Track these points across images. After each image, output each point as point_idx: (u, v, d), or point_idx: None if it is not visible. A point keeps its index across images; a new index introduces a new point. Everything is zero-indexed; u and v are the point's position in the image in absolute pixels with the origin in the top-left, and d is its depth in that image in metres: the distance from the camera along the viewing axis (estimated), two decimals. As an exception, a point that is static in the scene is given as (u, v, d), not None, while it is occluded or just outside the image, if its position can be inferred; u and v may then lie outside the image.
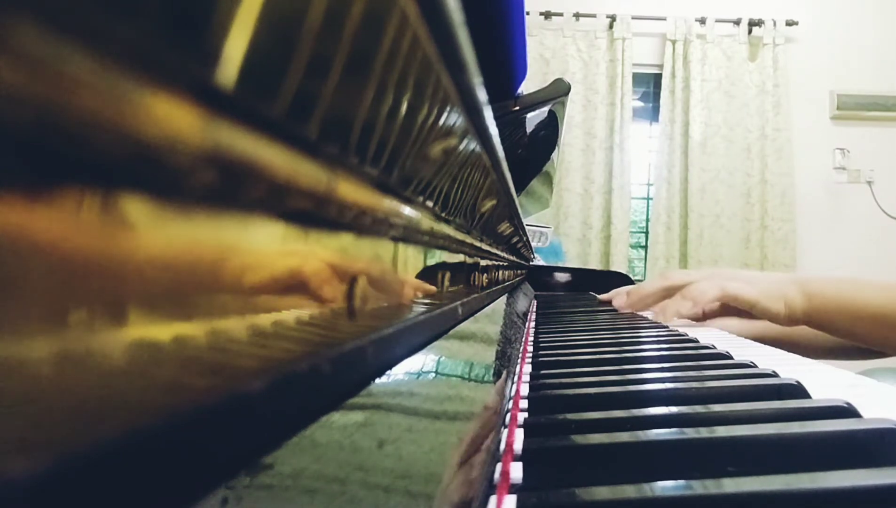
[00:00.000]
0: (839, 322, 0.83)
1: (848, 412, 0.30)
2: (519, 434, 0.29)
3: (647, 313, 0.95)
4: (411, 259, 0.26)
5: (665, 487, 0.22)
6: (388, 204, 0.20)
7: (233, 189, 0.11)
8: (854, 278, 0.87)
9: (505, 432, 0.29)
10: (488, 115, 0.29)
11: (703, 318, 0.94)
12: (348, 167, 0.16)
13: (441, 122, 0.23)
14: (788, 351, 0.61)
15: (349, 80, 0.14)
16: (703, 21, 3.16)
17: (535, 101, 0.89)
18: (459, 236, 0.37)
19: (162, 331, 0.09)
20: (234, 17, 0.09)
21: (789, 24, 3.18)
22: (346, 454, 0.15)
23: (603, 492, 0.22)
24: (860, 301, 0.81)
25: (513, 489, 0.24)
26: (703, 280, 0.89)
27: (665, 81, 3.17)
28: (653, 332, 0.71)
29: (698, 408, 0.31)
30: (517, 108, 0.85)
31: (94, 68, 0.07)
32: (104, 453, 0.08)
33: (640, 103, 3.36)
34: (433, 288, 0.31)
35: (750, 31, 3.18)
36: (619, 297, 1.03)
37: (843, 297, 0.82)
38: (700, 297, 0.86)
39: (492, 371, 0.36)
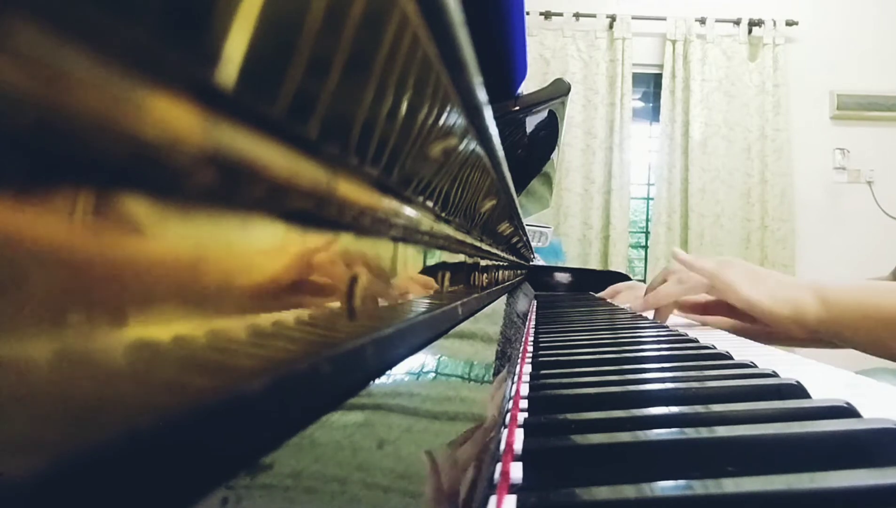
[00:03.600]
0: (861, 332, 0.76)
1: (848, 412, 0.30)
2: (519, 434, 0.29)
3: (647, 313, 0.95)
4: (411, 259, 0.26)
5: (665, 487, 0.22)
6: (388, 204, 0.20)
7: (233, 189, 0.11)
8: (871, 284, 0.79)
9: (505, 432, 0.29)
10: (488, 115, 0.29)
11: (703, 312, 0.92)
12: (348, 167, 0.16)
13: (441, 122, 0.23)
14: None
15: (349, 80, 0.14)
16: (703, 21, 3.16)
17: (535, 101, 0.89)
18: (459, 236, 0.37)
19: (162, 331, 0.09)
20: (234, 17, 0.09)
21: (789, 24, 3.18)
22: (346, 454, 0.15)
23: (603, 492, 0.22)
24: (885, 308, 0.74)
25: (513, 489, 0.24)
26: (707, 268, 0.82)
27: (665, 81, 3.17)
28: (653, 332, 0.71)
29: (698, 408, 0.31)
30: (517, 108, 0.85)
31: (94, 68, 0.07)
32: (104, 453, 0.08)
33: (640, 103, 3.36)
34: (433, 288, 0.31)
35: (750, 31, 3.18)
36: (623, 295, 1.01)
37: (866, 304, 0.75)
38: (689, 280, 0.81)
39: (492, 371, 0.36)
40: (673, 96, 3.16)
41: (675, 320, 0.97)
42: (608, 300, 1.18)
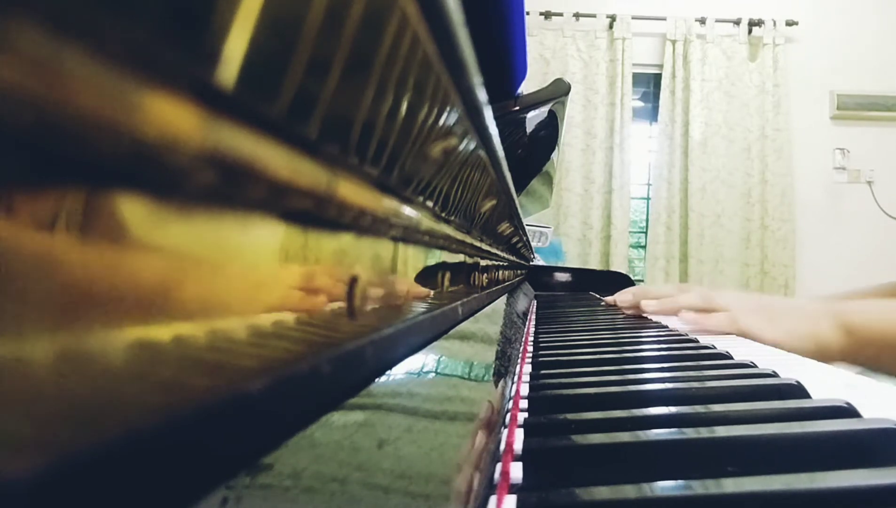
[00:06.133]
0: (887, 358, 0.71)
1: (848, 412, 0.30)
2: (519, 434, 0.29)
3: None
4: (411, 259, 0.26)
5: (665, 487, 0.22)
6: (388, 204, 0.20)
7: (233, 189, 0.11)
8: (894, 305, 0.73)
9: (505, 432, 0.29)
10: (488, 115, 0.29)
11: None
12: (348, 167, 0.16)
13: (441, 122, 0.23)
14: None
15: (349, 80, 0.14)
16: (703, 21, 3.16)
17: (535, 101, 0.89)
18: (459, 236, 0.37)
19: (162, 331, 0.09)
20: (234, 17, 0.09)
21: (789, 24, 3.18)
22: (346, 454, 0.15)
23: (603, 492, 0.22)
24: None
25: (513, 489, 0.24)
26: (723, 313, 0.76)
27: (665, 81, 3.17)
28: (653, 332, 0.71)
29: (698, 408, 0.31)
30: (517, 108, 0.85)
31: (94, 68, 0.07)
32: (104, 453, 0.08)
33: (640, 103, 3.36)
34: (433, 288, 0.31)
35: (750, 31, 3.18)
36: (625, 297, 0.97)
37: (894, 330, 0.70)
38: (709, 326, 0.75)
39: (492, 371, 0.36)
40: (673, 96, 3.16)
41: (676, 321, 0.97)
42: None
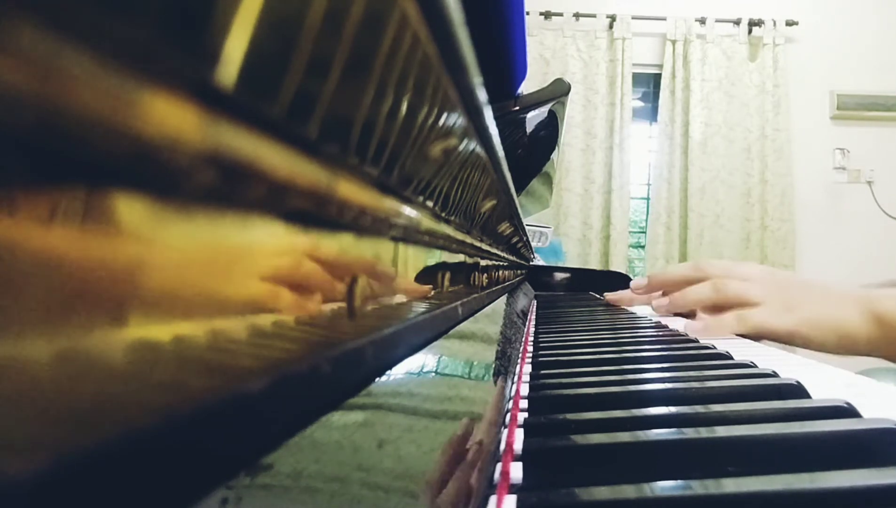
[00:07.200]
0: None
1: (848, 412, 0.30)
2: (519, 434, 0.29)
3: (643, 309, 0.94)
4: (411, 259, 0.26)
5: (665, 487, 0.22)
6: (388, 204, 0.20)
7: (233, 189, 0.11)
8: None
9: (505, 432, 0.29)
10: (488, 115, 0.29)
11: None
12: (348, 167, 0.16)
13: (441, 122, 0.23)
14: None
15: (349, 80, 0.14)
16: (703, 21, 3.16)
17: (535, 101, 0.89)
18: (459, 236, 0.37)
19: (162, 331, 0.09)
20: (234, 17, 0.09)
21: (789, 24, 3.18)
22: (346, 454, 0.15)
23: (603, 492, 0.22)
24: None
25: (513, 489, 0.24)
26: (729, 314, 0.70)
27: (665, 81, 3.17)
28: (653, 332, 0.71)
29: (698, 408, 0.31)
30: (517, 108, 0.85)
31: (94, 68, 0.07)
32: (104, 453, 0.08)
33: (640, 103, 3.36)
34: (433, 288, 0.31)
35: (750, 31, 3.18)
36: (627, 294, 0.94)
37: None
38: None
39: (492, 371, 0.36)
40: (673, 96, 3.16)
41: (678, 321, 0.97)
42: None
